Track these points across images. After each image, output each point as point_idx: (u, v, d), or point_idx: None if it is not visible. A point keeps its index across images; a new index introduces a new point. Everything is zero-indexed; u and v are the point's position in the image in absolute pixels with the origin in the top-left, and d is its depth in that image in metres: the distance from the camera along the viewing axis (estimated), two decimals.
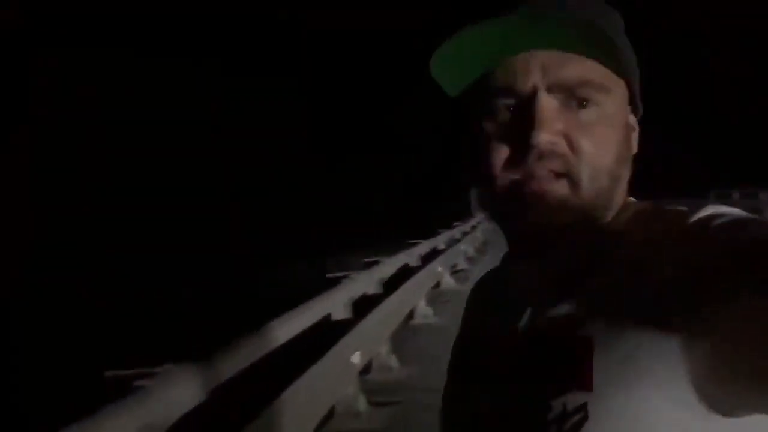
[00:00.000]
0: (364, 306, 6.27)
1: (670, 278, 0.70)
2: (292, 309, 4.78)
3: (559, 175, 0.77)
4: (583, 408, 0.71)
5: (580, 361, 0.73)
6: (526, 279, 0.85)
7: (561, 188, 0.77)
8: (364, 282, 7.20)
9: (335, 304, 5.95)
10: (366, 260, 8.16)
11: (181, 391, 2.64)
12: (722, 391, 0.67)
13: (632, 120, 0.84)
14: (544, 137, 0.75)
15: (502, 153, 0.78)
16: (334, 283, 6.29)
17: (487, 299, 0.95)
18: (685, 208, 0.79)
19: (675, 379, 0.68)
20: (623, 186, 0.82)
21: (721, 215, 0.73)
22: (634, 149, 0.84)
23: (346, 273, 6.97)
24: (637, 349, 0.70)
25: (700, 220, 0.74)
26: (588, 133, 0.77)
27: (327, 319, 5.74)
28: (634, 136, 0.84)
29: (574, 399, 0.72)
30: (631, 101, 0.83)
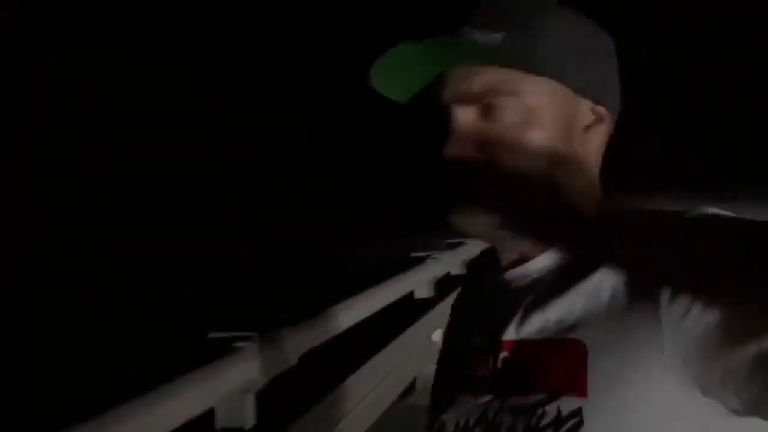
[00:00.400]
0: (446, 285, 6.51)
1: (664, 280, 0.72)
2: (378, 285, 5.02)
3: (486, 182, 0.81)
4: (578, 413, 0.73)
5: (574, 366, 0.75)
6: (515, 283, 0.86)
7: (489, 194, 0.82)
8: (448, 262, 7.48)
9: (419, 282, 6.24)
10: (449, 241, 8.41)
11: (275, 355, 2.95)
12: (721, 392, 0.69)
13: (589, 116, 0.86)
14: (456, 149, 0.81)
15: (437, 165, 0.84)
16: (419, 261, 6.57)
17: (476, 304, 0.97)
18: (678, 209, 0.80)
19: (671, 382, 0.70)
20: (569, 185, 0.84)
21: (715, 216, 0.75)
22: (594, 145, 0.86)
23: (430, 253, 7.24)
24: (631, 352, 0.72)
25: (694, 220, 0.75)
26: (506, 139, 0.81)
27: (410, 296, 5.96)
28: (595, 132, 0.86)
29: (568, 403, 0.74)
30: (587, 96, 0.85)
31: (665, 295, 0.72)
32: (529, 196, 0.82)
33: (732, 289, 0.68)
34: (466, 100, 0.83)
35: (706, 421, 0.71)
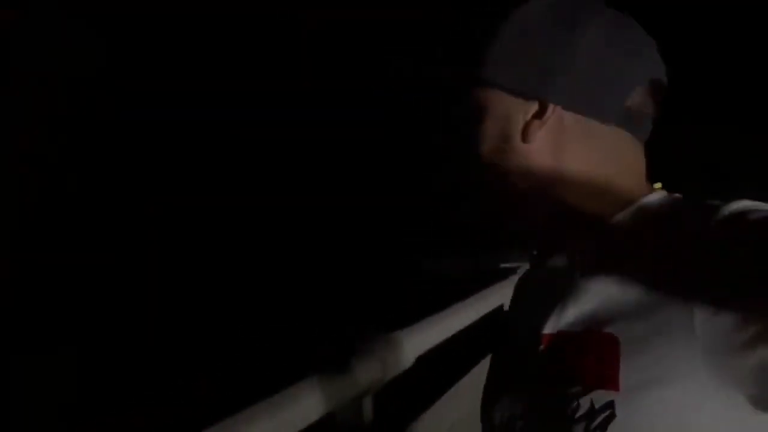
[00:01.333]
0: None
1: (698, 274, 0.73)
2: (468, 297, 4.98)
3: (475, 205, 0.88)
4: (610, 405, 0.75)
5: (607, 360, 0.77)
6: (553, 277, 0.89)
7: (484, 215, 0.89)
8: None
9: (507, 295, 6.16)
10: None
11: (395, 356, 2.99)
12: (756, 387, 0.69)
13: (523, 113, 0.86)
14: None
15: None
16: (509, 272, 6.50)
17: (521, 298, 1.01)
18: (715, 202, 0.79)
19: (704, 377, 0.71)
20: (599, 180, 0.86)
21: (750, 210, 0.75)
22: (525, 139, 0.87)
23: (519, 264, 7.10)
24: (664, 347, 0.73)
25: (732, 214, 0.75)
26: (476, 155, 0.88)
27: (500, 309, 5.89)
28: (532, 126, 0.86)
29: (601, 397, 0.76)
30: (519, 94, 0.86)
31: (698, 289, 0.73)
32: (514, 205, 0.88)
33: (761, 285, 0.68)
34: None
35: (743, 416, 0.71)
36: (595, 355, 0.79)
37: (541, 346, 0.86)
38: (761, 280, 0.68)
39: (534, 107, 0.86)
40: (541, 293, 0.90)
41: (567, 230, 0.87)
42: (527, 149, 0.86)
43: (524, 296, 0.99)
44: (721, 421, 0.72)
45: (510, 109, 0.86)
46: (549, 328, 0.86)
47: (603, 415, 0.75)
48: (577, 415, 0.77)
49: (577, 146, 0.87)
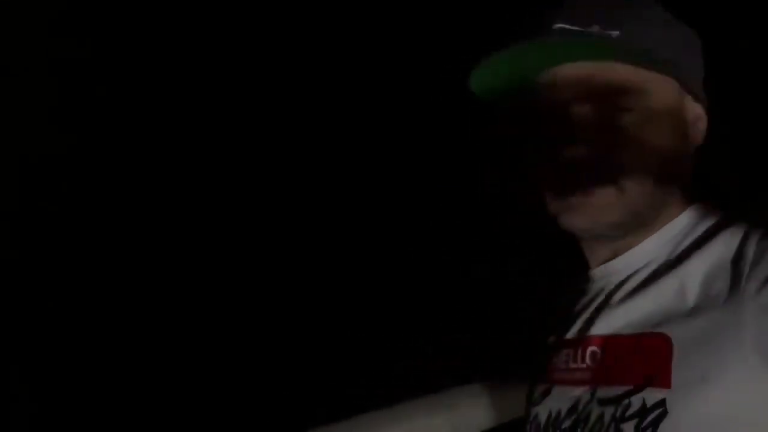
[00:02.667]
0: None
1: (749, 277, 0.73)
2: None
3: (603, 182, 0.81)
4: (662, 404, 0.74)
5: (659, 359, 0.76)
6: (605, 279, 0.88)
7: (606, 195, 0.81)
8: None
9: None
10: None
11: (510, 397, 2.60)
12: None
13: (693, 112, 0.86)
14: (579, 150, 0.80)
15: (548, 164, 0.83)
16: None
17: (569, 299, 0.98)
18: (758, 207, 0.81)
19: (755, 378, 0.70)
20: (680, 182, 0.85)
21: None
22: (697, 141, 0.86)
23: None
24: (715, 347, 0.73)
25: None
26: (627, 138, 0.80)
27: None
28: (697, 128, 0.86)
29: (653, 395, 0.75)
30: (690, 92, 0.85)
31: (750, 291, 0.73)
32: (645, 195, 0.82)
33: None
34: (593, 97, 0.81)
35: None
36: (647, 354, 0.78)
37: (592, 348, 0.86)
38: None
39: (695, 105, 0.87)
40: (591, 295, 0.91)
41: (630, 231, 0.86)
42: (688, 145, 0.87)
43: (572, 298, 0.97)
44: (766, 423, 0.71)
45: (682, 104, 0.86)
46: (599, 330, 0.86)
47: (655, 413, 0.75)
48: (628, 413, 0.77)
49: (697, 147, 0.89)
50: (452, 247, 2.67)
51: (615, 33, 0.80)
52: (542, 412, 0.90)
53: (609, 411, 0.79)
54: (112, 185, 3.02)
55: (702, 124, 0.87)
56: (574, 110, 0.81)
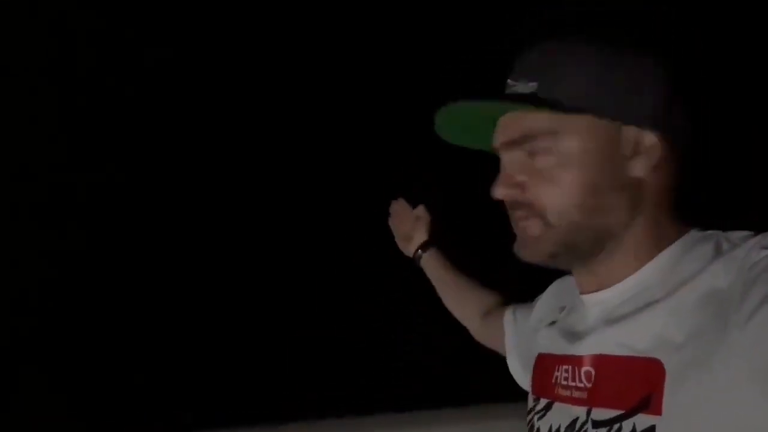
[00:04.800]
0: None
1: (739, 304, 0.74)
2: None
3: (531, 217, 0.87)
4: (652, 430, 0.76)
5: (651, 384, 0.78)
6: (595, 305, 0.91)
7: (535, 228, 0.87)
8: None
9: None
10: None
11: None
12: None
13: (636, 143, 0.86)
14: (499, 191, 0.89)
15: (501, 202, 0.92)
16: None
17: (564, 317, 1.00)
18: (748, 233, 0.82)
19: (748, 405, 0.71)
20: (616, 212, 0.86)
21: None
22: (644, 169, 0.86)
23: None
24: (707, 373, 0.74)
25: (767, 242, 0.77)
26: (545, 178, 0.86)
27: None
28: (645, 157, 0.86)
29: (644, 421, 0.77)
30: (627, 123, 0.86)
31: (740, 318, 0.74)
32: (573, 228, 0.86)
33: None
34: (511, 145, 0.88)
35: None
36: (640, 378, 0.80)
37: (586, 367, 0.88)
38: None
39: (641, 135, 0.88)
40: (589, 315, 0.92)
41: (554, 262, 0.91)
42: (631, 175, 0.89)
43: (573, 316, 0.99)
44: None
45: (616, 137, 0.87)
46: (597, 350, 0.88)
47: None
48: None
49: (661, 174, 0.90)
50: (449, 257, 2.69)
51: (533, 84, 0.86)
52: (543, 426, 0.93)
53: None
54: (112, 185, 3.01)
55: (655, 152, 0.87)
56: (503, 156, 0.90)
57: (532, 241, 0.88)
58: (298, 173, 3.07)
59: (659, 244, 0.88)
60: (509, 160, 0.89)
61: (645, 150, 0.87)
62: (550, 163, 0.86)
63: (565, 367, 0.92)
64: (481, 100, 0.88)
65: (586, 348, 0.89)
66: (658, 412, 0.76)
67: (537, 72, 0.87)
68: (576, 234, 0.86)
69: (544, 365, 0.98)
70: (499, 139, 0.90)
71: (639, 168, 0.87)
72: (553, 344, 0.98)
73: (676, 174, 0.90)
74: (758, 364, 0.71)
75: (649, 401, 0.77)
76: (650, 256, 0.87)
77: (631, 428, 0.78)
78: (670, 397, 0.76)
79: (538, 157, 0.86)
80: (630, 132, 0.86)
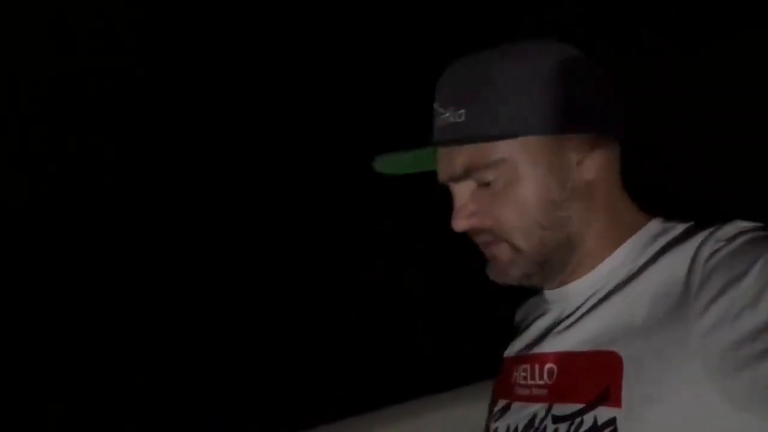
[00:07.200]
0: None
1: (696, 294, 0.75)
2: None
3: (498, 242, 0.87)
4: (612, 422, 0.76)
5: (610, 377, 0.78)
6: (558, 302, 0.91)
7: (505, 253, 0.87)
8: None
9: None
10: None
11: None
12: (754, 406, 0.70)
13: (581, 148, 0.86)
14: (459, 224, 0.88)
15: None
16: None
17: (526, 318, 1.01)
18: (708, 225, 0.82)
19: (704, 396, 0.72)
20: (575, 219, 0.87)
21: (751, 230, 0.78)
22: (585, 177, 0.86)
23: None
24: (664, 365, 0.75)
25: (731, 236, 0.77)
26: (499, 202, 0.85)
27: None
28: (590, 160, 0.86)
29: (604, 413, 0.77)
30: (564, 132, 0.85)
31: (696, 308, 0.74)
32: (540, 245, 0.86)
33: (761, 303, 0.70)
34: (457, 178, 0.87)
35: (747, 429, 0.72)
36: (599, 372, 0.80)
37: (548, 365, 0.89)
38: (764, 296, 0.70)
39: (583, 139, 0.87)
40: (551, 313, 0.93)
41: (528, 280, 0.90)
42: (582, 178, 0.88)
43: (529, 316, 1.00)
44: None
45: (560, 147, 0.86)
46: (554, 347, 0.88)
47: (606, 431, 0.77)
48: (581, 431, 0.79)
49: (611, 172, 0.90)
50: (416, 260, 2.68)
51: (461, 112, 0.85)
52: (501, 427, 0.92)
53: (563, 428, 0.81)
54: (112, 185, 3.01)
55: (599, 151, 0.87)
56: (453, 188, 0.89)
57: (504, 266, 0.88)
58: (298, 175, 3.07)
59: (620, 237, 0.88)
60: (460, 192, 0.88)
61: (589, 152, 0.86)
62: (502, 187, 0.85)
63: (523, 366, 0.92)
64: (413, 150, 0.89)
65: (549, 346, 0.89)
66: (617, 404, 0.77)
67: (463, 100, 0.85)
68: (545, 251, 0.86)
69: (506, 368, 0.99)
70: (442, 176, 0.89)
71: (589, 171, 0.87)
72: (516, 347, 0.98)
73: (621, 167, 0.90)
74: (714, 357, 0.72)
75: (608, 394, 0.78)
76: (610, 251, 0.88)
77: (592, 421, 0.78)
78: (628, 390, 0.76)
79: (489, 185, 0.86)
80: (571, 139, 0.85)
